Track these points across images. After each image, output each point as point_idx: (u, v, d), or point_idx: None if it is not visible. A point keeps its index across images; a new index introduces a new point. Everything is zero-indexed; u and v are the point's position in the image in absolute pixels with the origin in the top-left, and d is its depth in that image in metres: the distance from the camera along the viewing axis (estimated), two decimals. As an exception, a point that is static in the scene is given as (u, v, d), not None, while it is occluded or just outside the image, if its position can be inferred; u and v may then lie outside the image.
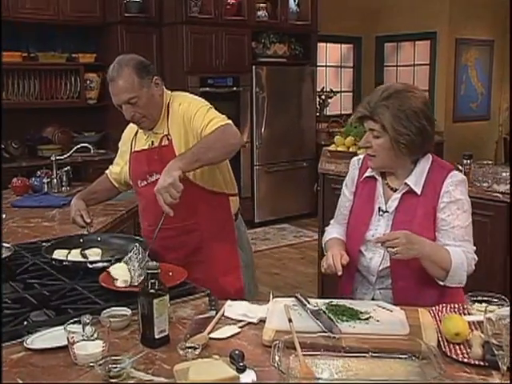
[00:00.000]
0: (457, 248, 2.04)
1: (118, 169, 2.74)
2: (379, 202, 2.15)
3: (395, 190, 2.13)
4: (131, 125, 2.62)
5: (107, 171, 2.84)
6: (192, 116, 2.40)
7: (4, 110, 5.32)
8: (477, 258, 2.10)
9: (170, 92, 2.55)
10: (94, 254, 2.31)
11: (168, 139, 2.44)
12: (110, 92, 2.41)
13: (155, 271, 1.64)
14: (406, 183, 2.09)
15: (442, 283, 2.06)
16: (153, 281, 1.63)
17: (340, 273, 2.03)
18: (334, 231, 2.31)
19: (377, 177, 2.17)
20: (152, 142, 2.51)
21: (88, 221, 2.55)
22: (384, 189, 2.16)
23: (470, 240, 2.10)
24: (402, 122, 2.00)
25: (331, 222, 2.39)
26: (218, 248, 2.53)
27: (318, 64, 7.70)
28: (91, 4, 5.99)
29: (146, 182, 2.52)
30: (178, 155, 2.27)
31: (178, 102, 2.49)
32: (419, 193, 2.08)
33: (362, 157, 2.28)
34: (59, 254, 2.26)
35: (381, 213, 2.13)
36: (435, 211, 2.07)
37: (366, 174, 2.19)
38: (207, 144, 2.24)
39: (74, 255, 2.27)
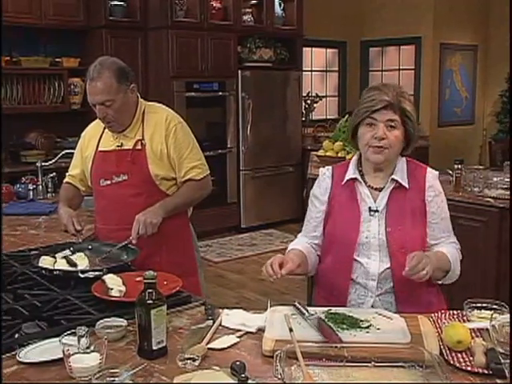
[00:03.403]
0: (448, 246, 2.13)
1: (81, 170, 2.75)
2: (368, 203, 2.12)
3: (377, 189, 2.13)
4: (94, 125, 2.71)
5: (68, 179, 2.82)
6: (182, 154, 2.59)
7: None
8: (460, 247, 2.20)
9: (144, 101, 2.67)
10: (80, 258, 2.28)
11: (142, 144, 2.56)
12: (86, 90, 2.51)
13: (152, 281, 1.60)
14: (393, 179, 2.11)
15: (439, 282, 2.13)
16: (150, 291, 1.59)
17: (275, 277, 1.93)
18: (298, 243, 2.23)
19: (359, 178, 2.14)
20: (121, 143, 2.59)
21: (79, 228, 2.52)
22: (368, 188, 2.15)
23: (451, 229, 2.21)
24: (414, 118, 2.10)
25: (298, 235, 2.30)
26: (176, 250, 2.64)
27: (304, 68, 7.71)
28: (75, 8, 5.92)
29: (109, 182, 2.59)
30: (161, 204, 2.52)
31: (161, 115, 2.62)
32: (408, 187, 2.11)
33: (330, 167, 2.25)
34: (45, 262, 2.22)
35: (372, 213, 2.10)
36: (424, 204, 2.11)
37: (349, 177, 2.15)
38: (186, 200, 2.64)
39: (60, 263, 2.23)
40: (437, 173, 2.20)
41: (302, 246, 2.19)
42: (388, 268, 2.07)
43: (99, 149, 2.64)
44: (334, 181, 2.20)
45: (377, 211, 2.10)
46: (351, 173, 2.16)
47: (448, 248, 2.12)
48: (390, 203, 2.10)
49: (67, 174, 2.84)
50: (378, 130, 2.04)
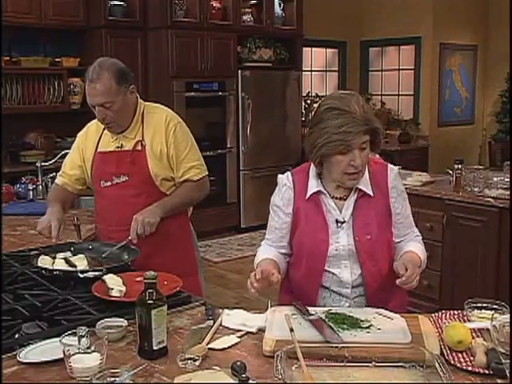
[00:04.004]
0: (415, 242, 2.16)
1: (80, 170, 2.71)
2: (334, 215, 2.07)
3: (341, 198, 2.09)
4: (92, 125, 2.69)
5: (62, 179, 2.76)
6: (181, 154, 2.59)
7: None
8: (421, 237, 2.22)
9: (143, 102, 2.66)
10: (79, 260, 2.27)
11: (142, 145, 2.56)
12: (86, 91, 2.49)
13: (153, 281, 1.60)
14: (356, 188, 2.06)
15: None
16: (151, 291, 1.59)
17: (260, 284, 1.86)
18: (267, 252, 2.16)
19: (323, 190, 2.08)
20: (121, 144, 2.58)
21: (54, 234, 2.41)
22: (332, 200, 2.09)
23: (413, 224, 2.22)
24: (382, 129, 2.04)
25: (262, 242, 2.24)
26: (177, 250, 2.64)
27: (304, 68, 7.71)
28: (75, 8, 5.92)
29: (110, 183, 2.59)
30: (159, 203, 2.52)
31: (161, 115, 2.61)
32: (372, 194, 2.08)
33: (289, 173, 2.17)
34: (44, 262, 2.21)
35: (339, 224, 2.06)
36: (389, 208, 2.10)
37: (312, 191, 2.08)
38: (183, 200, 2.64)
39: (59, 263, 2.22)
40: (397, 169, 2.17)
41: (272, 254, 2.14)
42: (360, 275, 2.07)
43: (99, 150, 2.63)
44: (296, 192, 2.12)
45: (344, 222, 2.07)
46: (314, 185, 2.09)
47: (415, 245, 2.14)
48: (355, 212, 2.07)
49: (60, 173, 2.79)
50: (356, 158, 1.95)
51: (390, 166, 2.16)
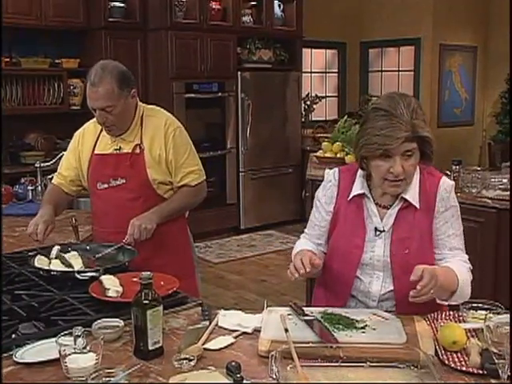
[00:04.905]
0: (458, 263, 1.96)
1: (74, 171, 2.70)
2: (374, 222, 1.99)
3: (385, 207, 2.00)
4: (89, 126, 2.68)
5: (58, 180, 2.75)
6: (180, 159, 2.59)
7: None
8: (471, 267, 2.02)
9: (143, 104, 2.66)
10: (73, 258, 2.28)
11: (140, 148, 2.55)
12: (86, 93, 2.48)
13: (148, 281, 1.61)
14: (402, 198, 1.97)
15: (445, 303, 1.96)
16: (146, 291, 1.60)
17: (308, 269, 1.82)
18: (306, 246, 2.10)
19: (367, 194, 2.01)
20: (120, 147, 2.58)
21: (39, 238, 2.39)
22: (376, 206, 2.02)
23: (463, 248, 2.03)
24: (432, 137, 1.91)
25: (302, 236, 2.20)
26: (174, 253, 2.64)
27: (303, 70, 7.71)
28: (75, 9, 5.93)
29: (107, 185, 2.58)
30: (156, 210, 2.52)
31: (160, 119, 2.61)
32: (418, 207, 1.96)
33: (336, 170, 2.11)
34: (41, 262, 2.22)
35: (378, 233, 1.98)
36: (432, 223, 1.98)
37: (355, 193, 2.02)
38: (180, 205, 2.64)
39: (55, 264, 2.23)
40: (451, 183, 2.03)
41: (310, 247, 2.08)
42: (391, 290, 1.98)
43: (96, 151, 2.62)
44: (339, 190, 2.06)
45: (383, 231, 1.98)
46: (358, 188, 2.02)
47: (458, 265, 1.95)
48: (397, 223, 1.97)
49: (56, 173, 2.78)
50: (395, 166, 1.85)
51: (444, 178, 2.03)
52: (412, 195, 1.97)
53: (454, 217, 2.01)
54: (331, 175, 2.11)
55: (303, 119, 7.79)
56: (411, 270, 1.78)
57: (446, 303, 1.96)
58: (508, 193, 3.45)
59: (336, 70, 8.92)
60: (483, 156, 8.78)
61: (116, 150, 2.59)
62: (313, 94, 8.23)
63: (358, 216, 2.02)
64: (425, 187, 1.99)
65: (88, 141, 2.67)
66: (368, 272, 2.00)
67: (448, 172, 3.78)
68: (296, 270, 1.83)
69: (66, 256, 2.29)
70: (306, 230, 2.19)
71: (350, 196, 2.03)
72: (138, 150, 2.56)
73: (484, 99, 9.11)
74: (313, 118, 8.23)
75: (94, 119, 2.56)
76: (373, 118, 1.88)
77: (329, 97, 8.86)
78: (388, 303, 2.00)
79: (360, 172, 2.03)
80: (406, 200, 1.97)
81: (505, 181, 3.56)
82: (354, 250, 2.00)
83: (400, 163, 1.85)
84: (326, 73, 8.83)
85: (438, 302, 1.93)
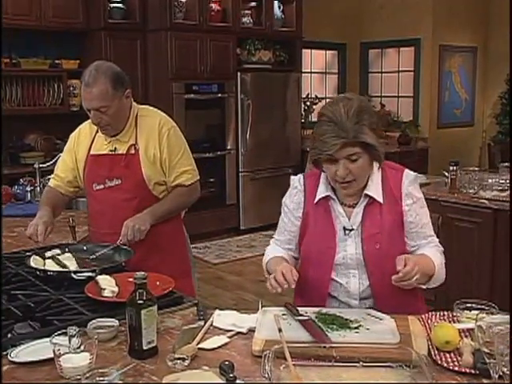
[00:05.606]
0: (432, 249, 2.04)
1: (71, 172, 2.71)
2: (342, 222, 2.03)
3: (351, 205, 2.04)
4: (85, 127, 2.69)
5: (55, 181, 2.75)
6: (174, 158, 2.59)
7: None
8: (443, 249, 2.09)
9: (137, 105, 2.66)
10: (67, 259, 2.29)
11: (135, 148, 2.56)
12: (81, 94, 2.49)
13: (143, 281, 1.62)
14: (366, 194, 2.01)
15: (424, 287, 2.03)
16: (141, 291, 1.61)
17: (293, 286, 1.86)
18: (277, 252, 2.15)
19: (332, 196, 2.04)
20: (115, 147, 2.59)
21: (40, 239, 2.39)
22: (341, 206, 2.05)
23: (433, 233, 2.11)
24: (378, 133, 1.92)
25: (271, 241, 2.23)
26: (170, 253, 2.65)
27: (303, 70, 7.71)
28: (74, 10, 5.94)
29: (102, 186, 2.59)
30: (150, 210, 2.51)
31: (154, 119, 2.61)
32: (382, 201, 2.01)
33: (301, 176, 2.15)
34: (36, 262, 2.23)
35: (347, 232, 2.02)
36: (402, 216, 2.02)
37: (320, 196, 2.05)
38: (174, 205, 2.64)
39: (49, 264, 2.24)
40: (414, 175, 2.07)
41: (281, 253, 2.13)
42: (368, 287, 2.02)
43: (91, 152, 2.63)
44: (306, 195, 2.10)
45: (352, 230, 2.02)
46: (323, 191, 2.05)
47: (431, 251, 2.03)
48: (364, 220, 2.01)
49: (53, 175, 2.78)
50: (339, 169, 1.90)
51: (406, 171, 2.07)
52: (375, 191, 2.01)
53: (422, 207, 2.07)
54: (296, 181, 2.15)
55: (303, 120, 7.79)
56: (384, 263, 1.92)
57: (424, 287, 2.02)
58: (505, 193, 3.45)
59: (336, 71, 8.92)
60: (483, 157, 8.78)
61: (111, 150, 2.59)
62: (312, 95, 8.23)
63: (326, 218, 2.05)
64: (388, 182, 2.03)
65: (84, 141, 2.67)
66: (343, 272, 2.03)
67: (445, 173, 3.79)
68: (278, 285, 1.85)
69: (60, 257, 2.30)
70: (275, 236, 2.23)
71: (316, 199, 2.07)
72: (133, 151, 2.57)
73: (484, 100, 9.10)
74: (313, 119, 8.22)
75: (90, 120, 2.57)
76: (319, 123, 1.94)
77: (329, 98, 8.86)
78: (369, 301, 2.03)
79: (323, 175, 2.07)
80: (370, 197, 2.02)
81: (502, 181, 3.57)
82: (327, 251, 2.03)
83: (345, 166, 1.90)
84: (325, 73, 8.84)
85: (417, 286, 1.96)
